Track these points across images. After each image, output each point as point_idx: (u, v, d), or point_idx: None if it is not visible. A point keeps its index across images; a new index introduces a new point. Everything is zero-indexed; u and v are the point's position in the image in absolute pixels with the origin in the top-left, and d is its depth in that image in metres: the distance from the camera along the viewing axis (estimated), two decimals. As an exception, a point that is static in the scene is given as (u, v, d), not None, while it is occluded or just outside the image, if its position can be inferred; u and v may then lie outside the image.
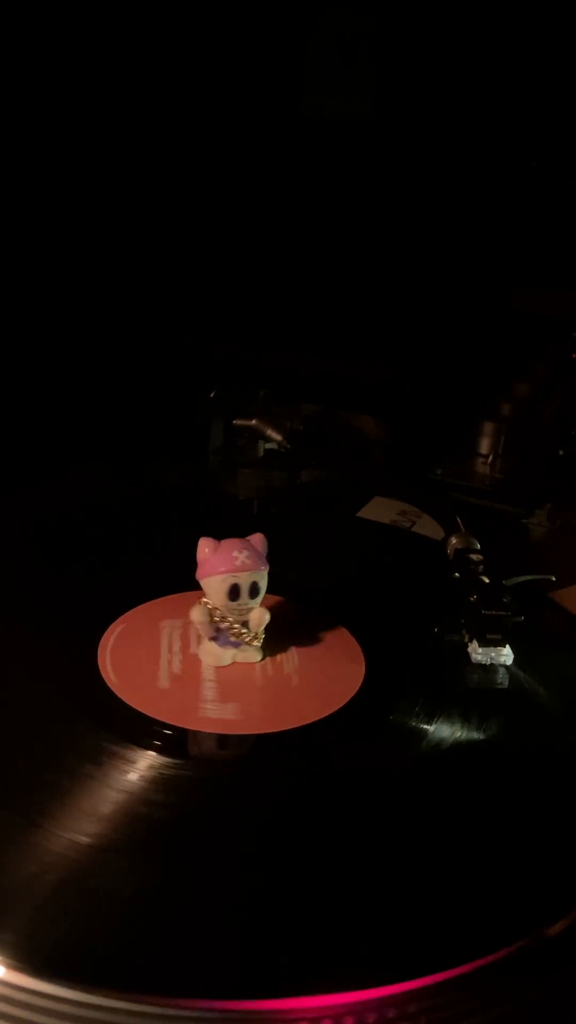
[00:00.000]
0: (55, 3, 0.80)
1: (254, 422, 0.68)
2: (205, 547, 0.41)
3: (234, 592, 0.41)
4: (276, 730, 0.38)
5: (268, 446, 0.68)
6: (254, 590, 0.41)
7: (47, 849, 0.32)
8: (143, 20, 0.84)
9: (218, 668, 0.42)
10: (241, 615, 0.41)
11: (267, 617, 0.42)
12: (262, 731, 0.38)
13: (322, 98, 0.90)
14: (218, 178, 0.90)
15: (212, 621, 0.41)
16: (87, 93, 0.84)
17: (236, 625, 0.41)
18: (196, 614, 0.41)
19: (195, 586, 0.42)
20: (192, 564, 0.41)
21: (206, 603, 0.41)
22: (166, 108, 0.88)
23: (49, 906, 0.30)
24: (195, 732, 0.38)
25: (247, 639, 0.42)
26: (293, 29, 0.88)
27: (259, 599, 0.41)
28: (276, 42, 0.88)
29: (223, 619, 0.41)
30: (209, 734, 0.38)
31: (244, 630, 0.42)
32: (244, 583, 0.40)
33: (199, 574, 0.41)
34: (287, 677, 0.42)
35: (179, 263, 0.89)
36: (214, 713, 0.39)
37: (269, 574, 0.41)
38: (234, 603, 0.41)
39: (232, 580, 0.40)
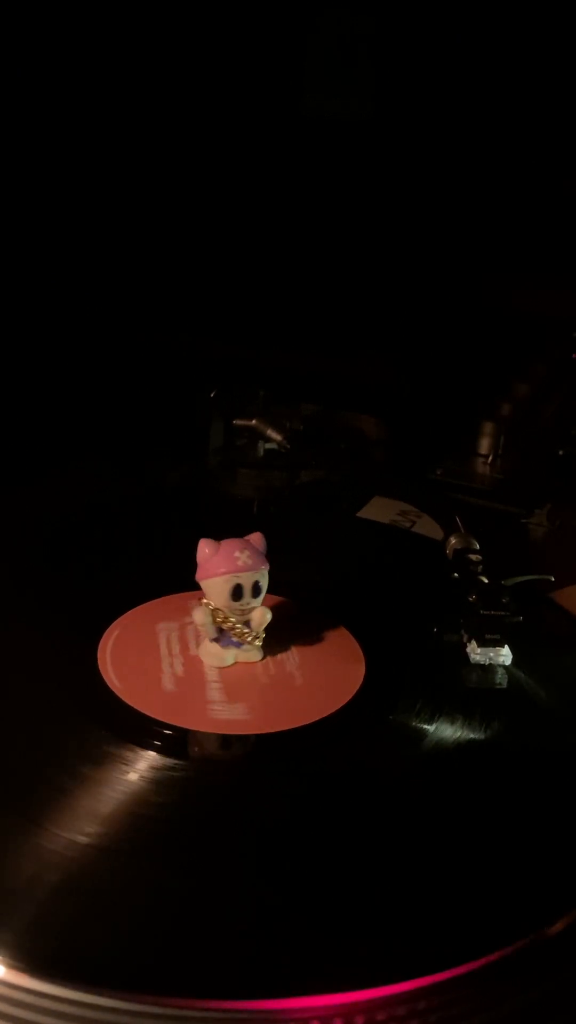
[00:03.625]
0: (55, 3, 0.80)
1: (254, 422, 0.68)
2: (205, 548, 0.41)
3: (237, 592, 0.41)
4: (276, 730, 0.38)
5: (268, 446, 0.68)
6: (256, 589, 0.41)
7: (47, 849, 0.32)
8: (144, 20, 0.84)
9: (218, 668, 0.42)
10: (243, 615, 0.41)
11: (269, 616, 0.42)
12: (262, 731, 0.38)
13: (322, 98, 0.90)
14: (218, 178, 0.90)
15: (214, 622, 0.41)
16: (87, 93, 0.84)
17: (238, 625, 0.42)
18: (198, 615, 0.42)
19: (195, 586, 0.42)
20: (192, 564, 0.41)
21: (207, 604, 0.41)
22: (166, 108, 0.88)
23: (49, 906, 0.30)
24: (195, 732, 0.38)
25: (249, 638, 0.42)
26: (293, 29, 0.88)
27: (261, 598, 0.41)
28: (276, 42, 0.88)
29: (225, 620, 0.41)
30: (209, 734, 0.38)
31: (246, 630, 0.42)
32: (247, 583, 0.41)
33: (200, 575, 0.41)
34: (287, 677, 0.42)
35: (179, 263, 0.89)
36: (214, 713, 0.39)
37: (269, 574, 0.41)
38: (237, 603, 0.41)
39: (235, 580, 0.40)
